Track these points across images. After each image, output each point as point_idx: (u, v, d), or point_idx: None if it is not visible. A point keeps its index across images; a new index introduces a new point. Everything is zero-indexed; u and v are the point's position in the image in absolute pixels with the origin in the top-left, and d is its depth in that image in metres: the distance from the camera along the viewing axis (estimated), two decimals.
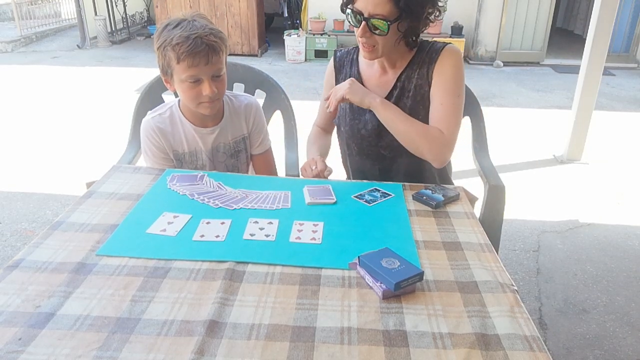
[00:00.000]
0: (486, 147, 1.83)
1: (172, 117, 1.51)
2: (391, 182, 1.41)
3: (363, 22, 1.30)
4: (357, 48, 1.55)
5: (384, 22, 1.27)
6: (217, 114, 1.54)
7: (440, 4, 1.36)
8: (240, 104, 1.60)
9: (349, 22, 1.36)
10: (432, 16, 1.37)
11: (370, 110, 1.49)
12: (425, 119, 1.46)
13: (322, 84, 1.70)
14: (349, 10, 1.33)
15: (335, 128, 1.67)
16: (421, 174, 1.52)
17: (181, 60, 1.33)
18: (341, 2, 1.38)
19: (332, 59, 1.61)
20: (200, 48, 1.33)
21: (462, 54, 1.44)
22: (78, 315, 0.87)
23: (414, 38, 1.40)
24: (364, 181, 1.43)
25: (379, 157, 1.53)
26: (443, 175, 1.60)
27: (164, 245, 1.08)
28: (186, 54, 1.32)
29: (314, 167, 1.46)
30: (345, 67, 1.56)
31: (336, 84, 1.57)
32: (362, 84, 1.51)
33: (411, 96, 1.44)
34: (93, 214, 1.20)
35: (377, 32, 1.30)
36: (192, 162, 1.55)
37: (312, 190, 1.32)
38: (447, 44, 1.44)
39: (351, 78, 1.42)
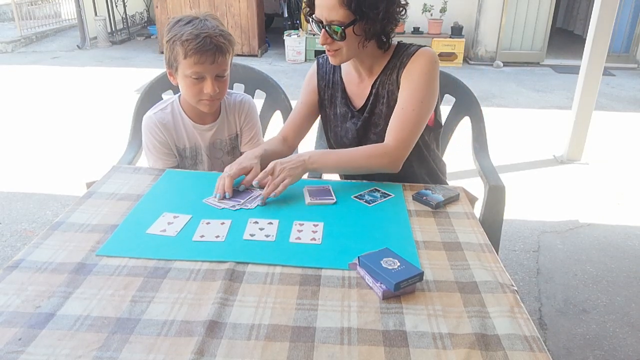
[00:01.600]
0: (486, 148, 1.83)
1: (174, 113, 1.53)
2: (390, 183, 1.41)
3: (323, 30, 1.31)
4: None
5: (339, 27, 1.28)
6: (215, 111, 1.56)
7: (402, 1, 1.34)
8: (234, 101, 1.62)
9: (315, 30, 1.36)
10: (398, 15, 1.34)
11: (351, 119, 1.49)
12: None
13: None
14: (311, 19, 1.35)
15: (323, 132, 1.67)
16: (408, 177, 1.48)
17: (188, 57, 1.36)
18: (303, 13, 1.39)
19: (314, 65, 1.59)
20: (208, 47, 1.35)
21: (436, 57, 1.39)
22: (78, 315, 0.87)
23: (384, 39, 1.38)
24: (364, 181, 1.43)
25: None
26: (434, 177, 1.58)
27: (164, 245, 1.08)
28: (193, 51, 1.34)
29: (226, 173, 1.30)
30: (328, 73, 1.54)
31: (319, 91, 1.56)
32: (344, 90, 1.51)
33: (385, 102, 1.43)
34: (93, 214, 1.20)
35: (335, 36, 1.30)
36: (193, 157, 1.57)
37: (312, 191, 1.32)
38: (421, 46, 1.41)
39: (275, 161, 1.31)
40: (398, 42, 1.45)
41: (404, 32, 6.47)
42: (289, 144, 1.54)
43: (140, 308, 0.89)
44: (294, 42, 6.66)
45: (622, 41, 6.77)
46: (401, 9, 1.35)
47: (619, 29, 6.55)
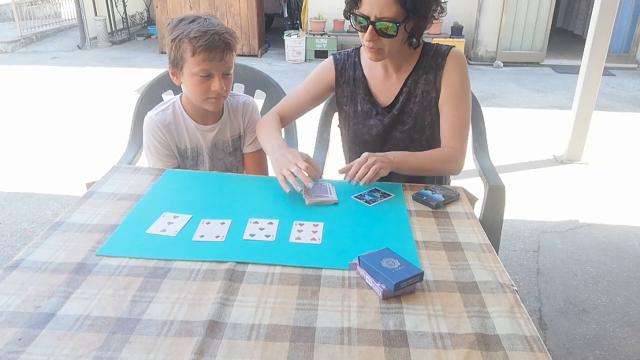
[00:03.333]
0: (486, 148, 1.83)
1: (175, 113, 1.53)
2: (391, 182, 1.41)
3: (370, 26, 1.29)
4: (355, 50, 1.55)
5: (392, 25, 1.27)
6: (218, 112, 1.56)
7: (442, 0, 1.36)
8: (237, 102, 1.62)
9: (354, 26, 1.35)
10: (436, 13, 1.36)
11: (376, 116, 1.49)
12: (431, 124, 1.47)
13: None
14: (353, 16, 1.33)
15: (339, 130, 1.67)
16: (422, 178, 1.50)
17: (196, 54, 1.35)
18: (344, 8, 1.37)
19: (331, 59, 1.57)
20: (217, 44, 1.36)
21: (465, 57, 1.45)
22: (78, 315, 0.87)
23: (416, 38, 1.39)
24: None
25: None
26: (438, 176, 1.60)
27: (164, 245, 1.08)
28: (203, 47, 1.34)
29: (294, 169, 1.24)
30: (348, 70, 1.54)
31: (336, 87, 1.56)
32: (368, 86, 1.51)
33: (417, 102, 1.45)
34: (93, 215, 1.20)
35: (385, 34, 1.30)
36: (194, 158, 1.57)
37: (312, 190, 1.31)
38: (451, 47, 1.44)
39: (368, 153, 1.30)
40: (423, 41, 1.47)
41: None
42: (282, 126, 1.55)
43: (140, 308, 0.89)
44: (294, 42, 6.65)
45: (622, 41, 6.76)
46: (440, 9, 1.37)
47: (619, 29, 6.54)
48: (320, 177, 1.49)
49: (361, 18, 1.30)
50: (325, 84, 1.56)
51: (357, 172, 1.27)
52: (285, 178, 1.25)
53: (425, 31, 1.39)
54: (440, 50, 1.44)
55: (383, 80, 1.49)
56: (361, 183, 1.26)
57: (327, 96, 1.61)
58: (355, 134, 1.55)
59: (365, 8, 1.28)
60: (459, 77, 1.43)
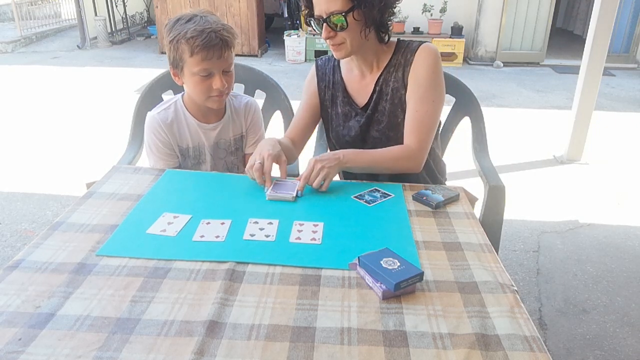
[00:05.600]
0: (486, 148, 1.83)
1: (177, 112, 1.53)
2: (391, 183, 1.41)
3: (324, 24, 1.32)
4: None
5: (340, 16, 1.30)
6: (220, 111, 1.56)
7: None
8: (240, 102, 1.62)
9: (316, 30, 1.39)
10: (395, 3, 1.37)
11: (354, 117, 1.50)
12: (405, 122, 1.46)
13: None
14: (311, 21, 1.38)
15: (324, 131, 1.67)
16: (407, 177, 1.49)
17: (195, 54, 1.35)
18: (303, 17, 1.42)
19: (313, 67, 1.61)
20: (215, 42, 1.35)
21: (438, 52, 1.43)
22: (78, 315, 0.87)
23: (382, 31, 1.40)
24: (364, 181, 1.43)
25: None
26: (432, 177, 1.60)
27: (164, 245, 1.08)
28: (200, 47, 1.34)
29: (258, 161, 1.29)
30: (328, 74, 1.56)
31: (319, 92, 1.57)
32: (345, 89, 1.52)
33: (389, 99, 1.45)
34: (93, 215, 1.20)
35: (337, 28, 1.32)
36: (196, 157, 1.57)
37: (276, 185, 1.32)
38: (423, 42, 1.43)
39: (314, 158, 1.33)
40: (398, 39, 1.47)
41: (404, 32, 6.47)
42: (296, 147, 1.56)
43: (140, 308, 0.89)
44: (294, 42, 6.65)
45: (622, 41, 6.76)
46: None
47: (619, 29, 6.54)
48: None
49: (317, 20, 1.35)
50: (314, 93, 1.59)
51: (306, 182, 1.31)
52: (252, 167, 1.30)
53: (389, 22, 1.39)
54: (411, 46, 1.43)
55: (359, 81, 1.50)
56: (317, 186, 1.31)
57: None
58: (338, 136, 1.56)
59: (317, 9, 1.34)
60: (426, 71, 1.40)
